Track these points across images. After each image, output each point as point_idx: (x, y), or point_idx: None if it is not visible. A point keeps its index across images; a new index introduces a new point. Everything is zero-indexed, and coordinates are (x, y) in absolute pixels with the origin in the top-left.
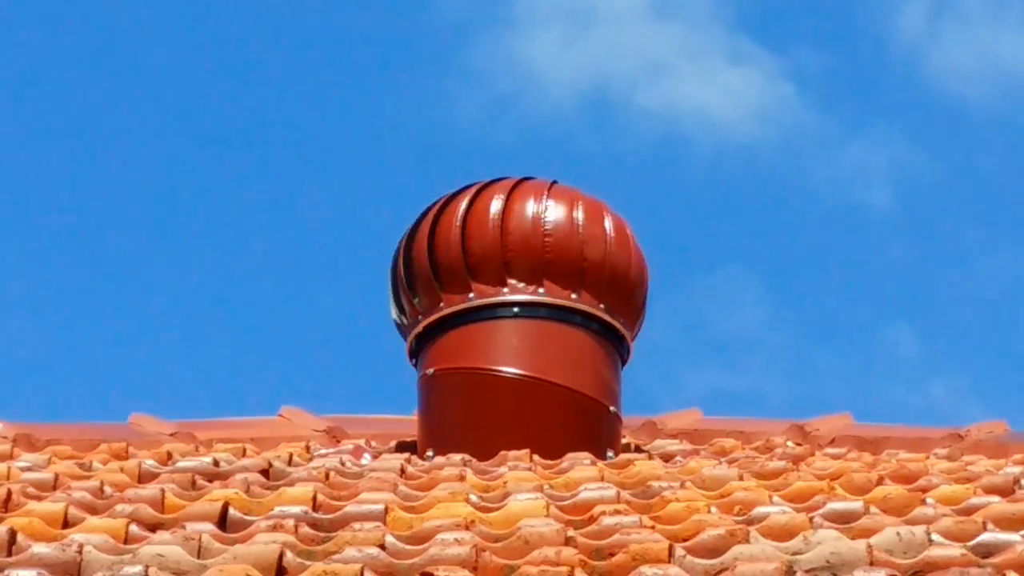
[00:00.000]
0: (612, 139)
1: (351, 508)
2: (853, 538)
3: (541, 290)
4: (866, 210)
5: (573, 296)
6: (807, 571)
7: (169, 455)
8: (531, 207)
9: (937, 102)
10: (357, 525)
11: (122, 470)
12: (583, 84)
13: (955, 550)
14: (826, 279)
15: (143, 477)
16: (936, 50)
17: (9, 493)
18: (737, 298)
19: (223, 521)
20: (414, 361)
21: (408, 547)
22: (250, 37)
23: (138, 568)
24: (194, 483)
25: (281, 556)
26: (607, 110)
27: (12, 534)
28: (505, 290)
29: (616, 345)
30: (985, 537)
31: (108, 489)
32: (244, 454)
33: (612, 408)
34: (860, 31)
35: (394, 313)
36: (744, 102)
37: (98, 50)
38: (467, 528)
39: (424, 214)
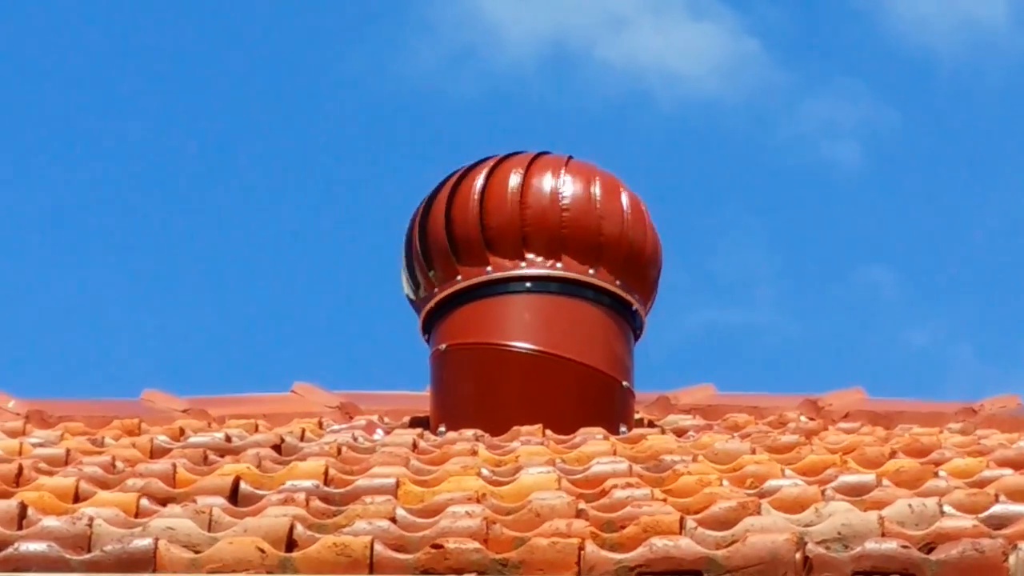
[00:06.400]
0: (573, 93)
1: (362, 482)
2: (865, 510)
3: (559, 264)
4: (833, 167)
5: (591, 272)
6: (818, 542)
7: (181, 431)
8: (549, 182)
9: (902, 53)
10: (368, 498)
11: (134, 446)
12: (542, 38)
13: (967, 521)
14: (798, 232)
15: (155, 453)
16: (900, 1)
17: (20, 468)
18: (710, 245)
19: (234, 495)
20: (427, 337)
21: (419, 520)
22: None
23: (148, 541)
24: (206, 458)
25: (291, 529)
26: (567, 64)
27: (23, 508)
28: (523, 264)
29: (629, 320)
30: (997, 509)
31: (120, 464)
32: (256, 430)
33: (625, 383)
34: None
35: (407, 288)
36: (707, 58)
37: (60, 41)
38: (478, 501)
39: (439, 188)
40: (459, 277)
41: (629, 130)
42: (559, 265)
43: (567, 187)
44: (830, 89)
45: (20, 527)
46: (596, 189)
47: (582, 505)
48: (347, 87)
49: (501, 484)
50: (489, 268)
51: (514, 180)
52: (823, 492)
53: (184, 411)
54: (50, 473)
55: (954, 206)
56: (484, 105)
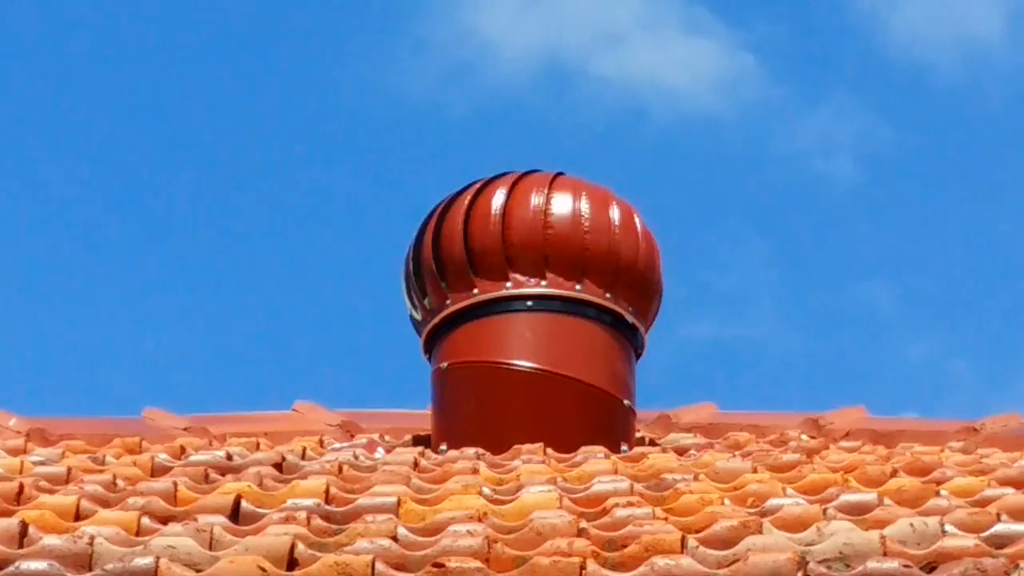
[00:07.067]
0: (569, 109)
1: (364, 501)
2: (867, 529)
3: (579, 286)
4: (830, 182)
5: (608, 296)
6: (820, 562)
7: (182, 449)
8: (570, 203)
9: (899, 69)
10: (369, 517)
11: (135, 464)
12: (537, 54)
13: (969, 541)
14: (795, 247)
15: (156, 471)
16: (896, 16)
17: (21, 487)
18: (707, 261)
19: (235, 514)
20: (428, 355)
21: (420, 539)
22: (199, 11)
23: (149, 560)
24: (207, 476)
25: (293, 548)
26: (563, 80)
27: (24, 526)
28: (544, 283)
29: (630, 338)
30: (999, 528)
31: (121, 483)
32: (257, 448)
33: (626, 401)
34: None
35: (409, 307)
36: (702, 73)
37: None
38: (480, 520)
39: (454, 200)
40: (476, 291)
41: (625, 145)
42: (579, 287)
43: (587, 210)
44: (826, 104)
45: (21, 545)
46: (614, 214)
47: (583, 524)
48: (344, 104)
49: (502, 503)
50: (509, 284)
51: (536, 199)
52: (825, 511)
53: (185, 429)
54: (51, 491)
55: (951, 221)
56: (480, 121)
